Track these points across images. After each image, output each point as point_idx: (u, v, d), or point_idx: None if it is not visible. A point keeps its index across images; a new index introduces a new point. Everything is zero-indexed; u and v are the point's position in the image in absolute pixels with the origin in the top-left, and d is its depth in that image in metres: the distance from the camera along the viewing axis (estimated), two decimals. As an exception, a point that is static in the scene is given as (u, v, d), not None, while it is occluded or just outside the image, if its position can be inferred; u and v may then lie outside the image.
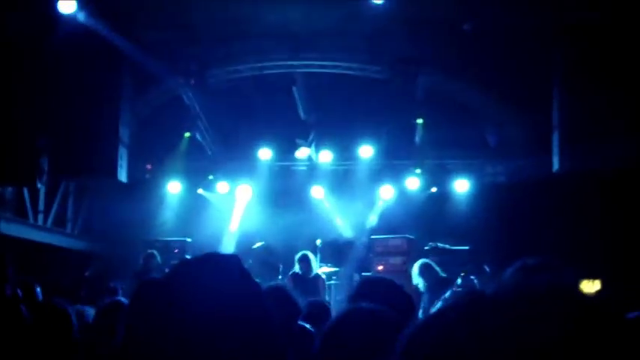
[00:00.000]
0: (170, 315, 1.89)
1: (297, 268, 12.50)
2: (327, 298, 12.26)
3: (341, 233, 16.42)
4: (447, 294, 11.04)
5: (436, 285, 11.22)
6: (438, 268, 11.50)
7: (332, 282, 14.08)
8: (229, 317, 1.89)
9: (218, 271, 2.00)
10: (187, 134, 16.51)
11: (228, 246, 16.12)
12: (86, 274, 11.29)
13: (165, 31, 13.97)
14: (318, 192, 16.67)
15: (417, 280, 11.37)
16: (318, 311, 5.83)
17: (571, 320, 1.06)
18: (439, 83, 15.33)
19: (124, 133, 13.81)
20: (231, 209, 17.09)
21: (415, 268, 11.47)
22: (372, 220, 16.37)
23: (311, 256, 12.57)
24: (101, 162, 13.41)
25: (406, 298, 4.10)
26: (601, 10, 12.21)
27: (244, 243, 15.99)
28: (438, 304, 10.92)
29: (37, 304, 4.82)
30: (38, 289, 5.67)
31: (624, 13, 12.07)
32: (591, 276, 14.31)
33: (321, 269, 13.27)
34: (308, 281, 12.13)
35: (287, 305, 4.61)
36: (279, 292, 4.72)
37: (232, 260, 2.05)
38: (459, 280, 11.22)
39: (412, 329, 1.17)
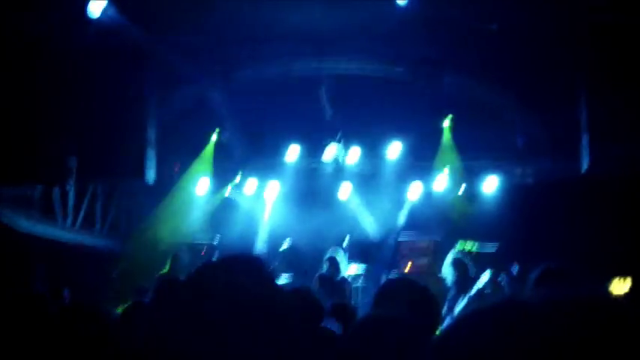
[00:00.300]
0: (190, 315, 1.90)
1: (324, 269, 12.46)
2: (352, 302, 12.19)
3: (368, 233, 16.39)
4: (473, 292, 11.02)
5: (464, 281, 11.21)
6: (470, 266, 11.47)
7: (359, 284, 14.07)
8: (250, 319, 1.89)
9: (240, 273, 2.00)
10: (214, 135, 16.57)
11: (255, 247, 16.14)
12: (113, 274, 11.34)
13: (191, 33, 14.05)
14: (345, 192, 16.65)
15: (447, 272, 11.37)
16: (343, 312, 5.83)
17: (607, 331, 1.04)
18: (465, 84, 15.28)
19: (152, 134, 13.91)
20: (258, 210, 17.12)
21: (448, 259, 11.47)
22: (400, 220, 16.32)
23: (339, 258, 12.52)
24: (129, 163, 13.52)
25: (430, 300, 4.08)
26: (625, 10, 12.11)
27: (271, 244, 16.00)
28: (463, 301, 10.93)
29: (64, 306, 4.85)
30: (66, 292, 5.71)
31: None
32: (621, 275, 14.22)
33: (349, 267, 13.24)
34: (335, 283, 12.11)
35: (310, 307, 4.61)
36: (302, 293, 4.72)
37: (255, 262, 2.06)
38: (486, 279, 11.18)
39: (442, 333, 1.15)
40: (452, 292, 11.05)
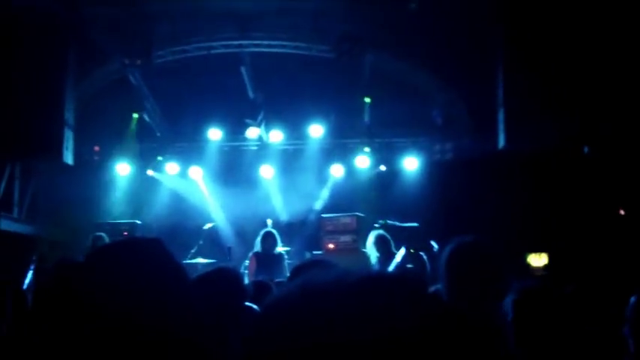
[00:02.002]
0: (88, 298, 1.89)
1: (258, 247, 12.43)
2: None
3: (291, 212, 16.44)
4: (392, 267, 11.18)
5: (388, 258, 11.35)
6: (392, 243, 11.61)
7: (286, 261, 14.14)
8: (148, 300, 1.89)
9: (138, 255, 2.00)
10: (136, 115, 16.35)
11: (177, 227, 16.03)
12: (33, 258, 11.14)
13: (111, 9, 13.79)
14: (267, 171, 16.66)
15: (371, 252, 11.50)
16: (263, 291, 5.85)
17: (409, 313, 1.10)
18: (385, 62, 15.39)
19: (70, 115, 13.61)
20: (180, 190, 17.02)
21: (371, 238, 11.59)
22: (323, 197, 16.43)
23: (276, 233, 12.51)
24: (46, 143, 13.21)
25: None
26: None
27: (194, 224, 15.93)
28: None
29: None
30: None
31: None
32: (538, 250, 14.60)
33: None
34: (272, 259, 12.11)
35: (231, 286, 4.61)
36: (222, 273, 4.72)
37: (153, 244, 2.05)
38: (402, 254, 11.33)
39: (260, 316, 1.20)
40: (377, 268, 11.18)
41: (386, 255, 11.46)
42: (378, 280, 1.16)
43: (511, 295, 3.64)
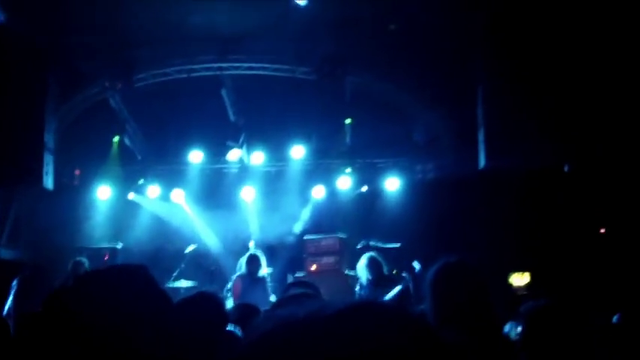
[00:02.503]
0: (76, 323, 1.89)
1: (243, 269, 12.38)
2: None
3: (273, 234, 16.41)
4: (394, 291, 11.17)
5: (380, 281, 11.35)
6: (384, 265, 11.61)
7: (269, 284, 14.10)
8: (133, 326, 1.89)
9: (123, 282, 2.00)
10: (116, 138, 16.29)
11: (159, 250, 15.97)
12: (13, 283, 11.04)
13: (90, 34, 13.78)
14: (248, 193, 16.66)
15: (362, 274, 11.49)
16: (249, 314, 5.83)
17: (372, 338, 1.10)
18: (366, 83, 15.48)
19: (50, 139, 13.55)
20: (162, 213, 16.97)
21: (363, 261, 11.58)
22: (305, 219, 16.42)
23: (261, 255, 12.47)
24: (25, 169, 13.12)
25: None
26: (515, 10, 12.50)
27: (176, 247, 15.87)
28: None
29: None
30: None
31: (538, 13, 12.37)
32: (520, 269, 14.65)
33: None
34: (257, 282, 12.07)
35: (211, 312, 4.58)
36: (203, 298, 4.69)
37: (138, 271, 2.05)
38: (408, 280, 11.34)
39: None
40: (367, 291, 11.16)
41: (377, 277, 11.45)
42: (358, 309, 1.17)
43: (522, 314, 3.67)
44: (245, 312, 5.93)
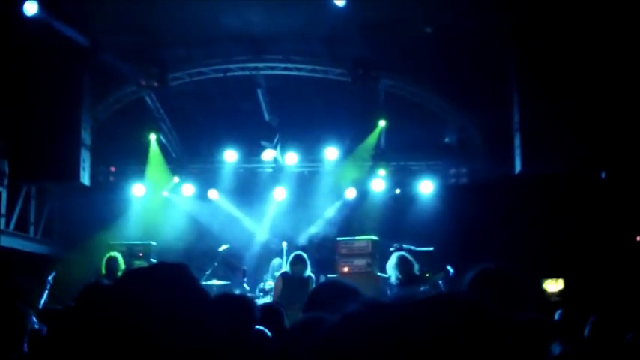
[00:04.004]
0: (115, 322, 1.90)
1: (287, 268, 12.39)
2: None
3: (306, 235, 16.42)
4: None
5: (409, 281, 11.30)
6: (415, 264, 11.57)
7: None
8: (174, 324, 1.90)
9: (164, 280, 2.01)
10: (152, 137, 16.40)
11: (192, 249, 16.07)
12: (48, 278, 11.16)
13: (127, 35, 13.91)
14: (280, 194, 16.71)
15: (391, 273, 11.45)
16: (271, 314, 5.83)
17: (454, 327, 1.11)
18: (400, 86, 15.45)
19: (86, 136, 13.71)
20: (196, 212, 17.06)
21: (392, 260, 11.53)
22: (337, 221, 16.41)
23: (306, 256, 12.44)
24: (63, 165, 13.29)
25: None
26: (550, 15, 12.40)
27: (209, 245, 15.95)
28: None
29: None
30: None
31: (574, 17, 12.26)
32: (554, 275, 14.53)
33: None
34: (299, 281, 12.05)
35: (241, 311, 4.59)
36: (232, 299, 4.71)
37: (179, 269, 2.06)
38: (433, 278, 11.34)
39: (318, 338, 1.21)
40: (396, 291, 11.13)
41: (407, 277, 11.42)
42: (445, 299, 1.19)
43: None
44: (267, 312, 5.94)
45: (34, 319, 5.31)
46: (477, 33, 12.90)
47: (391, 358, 1.10)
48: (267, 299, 12.38)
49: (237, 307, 4.47)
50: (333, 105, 15.43)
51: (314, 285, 12.21)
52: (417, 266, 11.62)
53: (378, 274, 13.79)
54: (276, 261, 14.11)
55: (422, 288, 11.18)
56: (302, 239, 16.20)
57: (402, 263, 11.48)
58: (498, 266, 3.92)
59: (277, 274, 12.62)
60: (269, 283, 13.09)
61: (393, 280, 11.44)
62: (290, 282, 12.03)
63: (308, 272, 12.22)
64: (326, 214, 16.53)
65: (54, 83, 13.14)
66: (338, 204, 16.61)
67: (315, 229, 16.47)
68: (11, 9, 12.03)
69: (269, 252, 15.44)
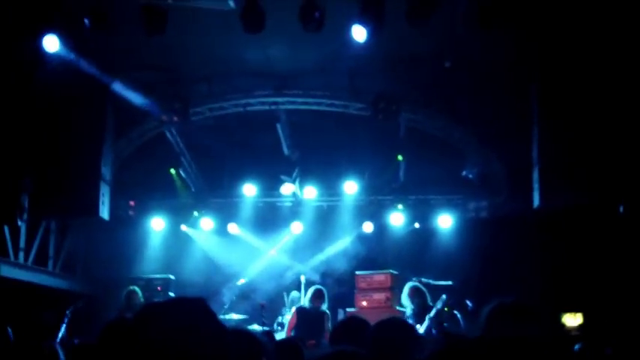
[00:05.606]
0: (134, 355, 1.92)
1: (305, 302, 12.37)
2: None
3: (325, 269, 16.40)
4: (432, 313, 11.14)
5: (422, 311, 11.28)
6: (427, 295, 11.55)
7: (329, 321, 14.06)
8: (192, 358, 1.91)
9: (182, 315, 2.02)
10: (173, 171, 16.48)
11: (210, 283, 16.07)
12: (67, 312, 11.18)
13: (149, 71, 14.06)
14: (298, 228, 16.75)
15: (406, 303, 11.44)
16: (291, 350, 5.80)
17: None
18: (420, 120, 15.47)
19: (107, 171, 13.80)
20: (214, 246, 17.09)
21: (405, 290, 11.53)
22: (356, 255, 16.37)
23: (325, 291, 12.44)
24: (82, 200, 13.36)
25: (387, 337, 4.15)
26: (569, 49, 12.41)
27: (227, 279, 15.98)
28: (424, 325, 11.04)
29: (8, 343, 4.80)
30: (9, 330, 5.63)
31: (593, 52, 12.26)
32: (573, 309, 14.40)
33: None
34: (314, 316, 12.03)
35: (249, 346, 4.57)
36: (243, 334, 4.68)
37: (197, 304, 2.08)
38: (439, 307, 11.32)
39: None
40: (411, 321, 11.10)
41: (421, 307, 11.39)
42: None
43: None
44: (285, 349, 5.89)
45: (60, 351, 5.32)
46: (497, 67, 12.93)
47: None
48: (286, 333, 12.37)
49: (246, 343, 4.46)
50: (353, 139, 15.46)
51: (329, 320, 12.20)
52: (429, 297, 11.62)
53: (398, 308, 13.74)
54: (294, 294, 14.10)
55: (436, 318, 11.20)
56: (320, 273, 16.18)
57: (414, 294, 11.47)
58: (515, 301, 3.91)
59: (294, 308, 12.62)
60: (287, 317, 13.08)
61: (408, 311, 11.43)
62: (305, 316, 12.02)
63: (324, 307, 12.22)
64: (344, 248, 16.51)
65: (75, 119, 13.26)
66: (357, 238, 16.58)
67: (333, 262, 16.44)
68: (33, 44, 12.18)
69: (287, 286, 15.42)
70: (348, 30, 11.63)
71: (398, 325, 4.13)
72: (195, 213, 17.04)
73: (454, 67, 13.26)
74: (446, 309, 11.84)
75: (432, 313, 11.36)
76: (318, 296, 12.20)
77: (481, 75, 13.40)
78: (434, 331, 11.05)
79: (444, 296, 11.55)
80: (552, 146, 12.64)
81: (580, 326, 14.29)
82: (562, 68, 12.57)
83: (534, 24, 11.95)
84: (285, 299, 14.44)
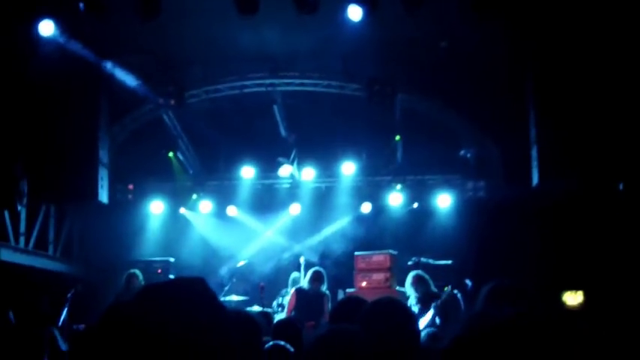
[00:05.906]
0: (135, 338, 1.92)
1: (304, 284, 12.39)
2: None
3: (324, 250, 16.42)
4: (432, 309, 11.14)
5: (426, 299, 11.29)
6: (430, 282, 11.56)
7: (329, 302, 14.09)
8: (193, 340, 1.92)
9: (182, 296, 2.03)
10: (171, 154, 16.50)
11: (210, 265, 16.11)
12: (67, 296, 11.21)
13: (144, 54, 14.02)
14: (296, 209, 16.77)
15: (409, 292, 11.46)
16: (289, 329, 5.83)
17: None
18: (416, 101, 15.46)
19: (104, 154, 13.79)
20: (213, 228, 17.12)
21: (409, 279, 11.54)
22: (354, 236, 16.40)
23: (324, 273, 12.45)
24: (81, 184, 13.37)
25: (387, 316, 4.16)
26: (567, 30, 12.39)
27: (227, 261, 16.02)
28: (429, 313, 11.06)
29: (10, 327, 4.82)
30: (11, 314, 5.65)
31: (590, 33, 12.25)
32: (574, 288, 14.43)
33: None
34: (313, 297, 12.06)
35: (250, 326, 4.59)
36: (241, 315, 4.71)
37: (197, 284, 2.08)
38: (444, 298, 11.31)
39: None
40: (415, 309, 11.12)
41: (425, 295, 11.40)
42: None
43: None
44: (285, 327, 5.93)
45: (58, 336, 5.34)
46: (493, 49, 12.91)
47: None
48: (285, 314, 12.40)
49: (245, 323, 4.48)
50: (350, 120, 15.45)
51: (329, 301, 12.23)
52: (432, 284, 11.62)
53: (397, 288, 13.77)
54: (295, 275, 14.13)
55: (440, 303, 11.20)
56: (319, 254, 16.21)
57: (417, 282, 11.48)
58: (513, 282, 3.94)
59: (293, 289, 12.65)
60: (287, 298, 13.11)
61: (412, 299, 11.44)
62: (304, 297, 12.05)
63: (324, 289, 12.25)
64: (343, 228, 16.53)
65: (71, 103, 13.24)
66: (355, 218, 16.61)
67: (332, 243, 16.47)
68: (28, 29, 12.14)
69: (286, 267, 15.46)
70: (343, 12, 11.59)
71: (391, 304, 4.15)
72: (194, 196, 17.07)
73: (449, 48, 13.24)
74: (445, 288, 11.84)
75: (438, 302, 11.35)
76: (316, 278, 12.21)
77: (476, 57, 13.37)
78: (438, 320, 11.06)
79: (448, 288, 11.52)
80: (551, 125, 12.63)
81: (581, 304, 14.32)
82: (558, 48, 12.54)
83: (529, 5, 11.93)
84: (288, 280, 14.47)
